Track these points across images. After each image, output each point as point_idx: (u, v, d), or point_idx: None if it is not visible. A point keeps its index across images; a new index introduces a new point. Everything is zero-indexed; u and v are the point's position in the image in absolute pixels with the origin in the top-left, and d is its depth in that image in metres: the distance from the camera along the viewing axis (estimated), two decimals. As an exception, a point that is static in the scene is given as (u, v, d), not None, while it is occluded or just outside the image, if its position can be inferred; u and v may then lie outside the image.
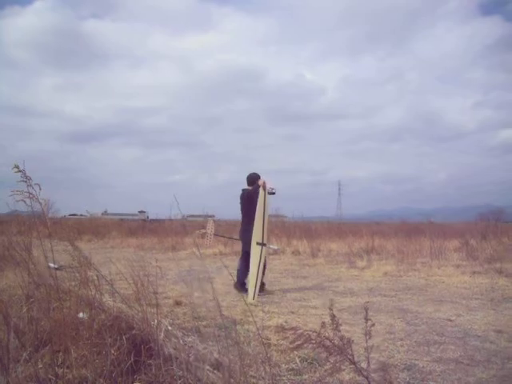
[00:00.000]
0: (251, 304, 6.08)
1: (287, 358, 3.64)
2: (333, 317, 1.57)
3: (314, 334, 1.49)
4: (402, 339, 4.33)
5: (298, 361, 3.54)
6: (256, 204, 6.94)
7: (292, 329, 1.46)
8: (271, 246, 7.19)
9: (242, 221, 7.36)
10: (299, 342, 1.44)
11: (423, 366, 3.54)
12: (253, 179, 7.35)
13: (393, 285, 8.11)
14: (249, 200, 7.18)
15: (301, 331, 1.47)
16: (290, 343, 1.48)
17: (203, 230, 7.47)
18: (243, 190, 7.37)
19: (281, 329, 1.52)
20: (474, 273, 9.05)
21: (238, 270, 7.30)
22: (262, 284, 7.24)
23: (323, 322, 1.58)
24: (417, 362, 3.62)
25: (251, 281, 6.55)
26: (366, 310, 1.77)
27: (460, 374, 3.38)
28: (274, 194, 7.52)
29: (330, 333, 1.58)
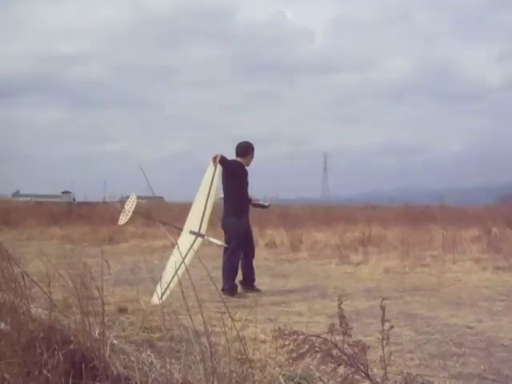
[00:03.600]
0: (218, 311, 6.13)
1: (268, 378, 3.71)
2: (342, 318, 1.62)
3: (320, 339, 1.53)
4: (411, 351, 4.46)
5: (282, 380, 3.61)
6: (237, 182, 7.55)
7: (293, 333, 1.50)
8: (212, 240, 7.23)
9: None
10: (302, 351, 1.48)
11: (439, 384, 3.68)
12: (243, 150, 7.73)
13: (396, 284, 8.31)
14: (231, 175, 7.56)
15: (303, 337, 1.51)
16: (289, 352, 1.52)
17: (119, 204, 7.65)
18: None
19: (279, 333, 1.56)
20: (498, 268, 9.37)
21: (230, 267, 7.64)
22: (252, 280, 7.79)
23: (332, 325, 1.63)
24: (432, 379, 3.75)
25: (166, 276, 6.44)
26: (383, 309, 1.84)
27: (485, 393, 3.53)
28: (266, 207, 8.21)
29: (337, 339, 1.63)
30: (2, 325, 2.95)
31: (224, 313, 6.19)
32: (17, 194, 60.39)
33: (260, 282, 8.53)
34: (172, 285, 6.33)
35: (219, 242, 7.46)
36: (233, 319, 3.42)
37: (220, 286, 7.47)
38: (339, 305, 1.72)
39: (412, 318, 5.89)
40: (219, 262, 10.88)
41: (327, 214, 20.19)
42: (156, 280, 6.50)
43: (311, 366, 3.42)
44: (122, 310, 5.89)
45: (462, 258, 10.57)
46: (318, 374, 3.62)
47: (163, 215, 21.60)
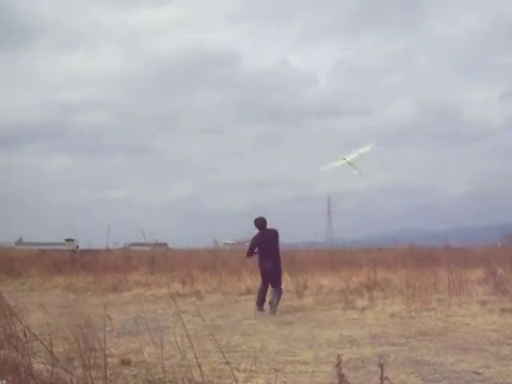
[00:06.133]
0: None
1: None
2: (341, 377, 1.63)
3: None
4: (418, 400, 4.41)
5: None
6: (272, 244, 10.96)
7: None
8: None
9: (273, 254, 10.94)
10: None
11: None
12: (261, 224, 11.02)
13: (403, 329, 8.23)
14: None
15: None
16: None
17: None
18: (266, 230, 11.03)
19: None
20: (504, 311, 9.27)
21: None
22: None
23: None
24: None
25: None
26: (382, 367, 1.84)
27: None
28: None
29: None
30: (4, 382, 2.94)
31: (227, 363, 6.15)
32: (20, 242, 60.40)
33: (265, 329, 8.49)
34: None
35: None
36: (233, 371, 3.39)
37: (224, 337, 7.54)
38: (338, 364, 1.72)
39: (419, 364, 5.83)
40: (223, 311, 10.89)
41: (332, 258, 20.11)
42: (159, 330, 6.46)
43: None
44: (126, 363, 5.85)
45: (468, 300, 10.47)
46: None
47: (167, 262, 21.65)
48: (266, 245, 10.97)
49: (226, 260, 19.71)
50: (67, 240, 54.37)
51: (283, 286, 13.96)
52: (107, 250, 32.87)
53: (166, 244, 35.62)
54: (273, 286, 10.97)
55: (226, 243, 43.34)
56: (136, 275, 16.58)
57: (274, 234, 11.19)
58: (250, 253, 11.21)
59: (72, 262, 23.75)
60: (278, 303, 10.61)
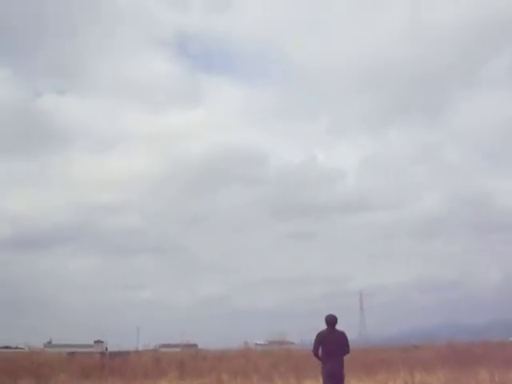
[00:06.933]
0: None
1: None
2: None
3: None
4: None
5: None
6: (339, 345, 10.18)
7: None
8: None
9: (337, 356, 10.18)
10: None
11: None
12: (332, 321, 10.33)
13: None
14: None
15: None
16: None
17: None
18: (335, 329, 10.34)
19: None
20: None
21: None
22: None
23: None
24: None
25: None
26: None
27: None
28: None
29: None
30: None
31: None
32: (49, 345, 60.02)
33: None
34: None
35: None
36: None
37: None
38: None
39: None
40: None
41: (366, 358, 19.48)
42: None
43: None
44: None
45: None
46: None
47: (197, 366, 21.19)
48: (332, 343, 10.27)
49: (257, 363, 19.23)
50: (96, 342, 53.97)
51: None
52: (136, 351, 32.48)
53: (196, 345, 35.06)
54: None
55: (257, 344, 42.27)
56: (165, 381, 16.23)
57: (342, 335, 10.48)
58: (316, 351, 10.32)
59: (101, 366, 23.44)
60: None
